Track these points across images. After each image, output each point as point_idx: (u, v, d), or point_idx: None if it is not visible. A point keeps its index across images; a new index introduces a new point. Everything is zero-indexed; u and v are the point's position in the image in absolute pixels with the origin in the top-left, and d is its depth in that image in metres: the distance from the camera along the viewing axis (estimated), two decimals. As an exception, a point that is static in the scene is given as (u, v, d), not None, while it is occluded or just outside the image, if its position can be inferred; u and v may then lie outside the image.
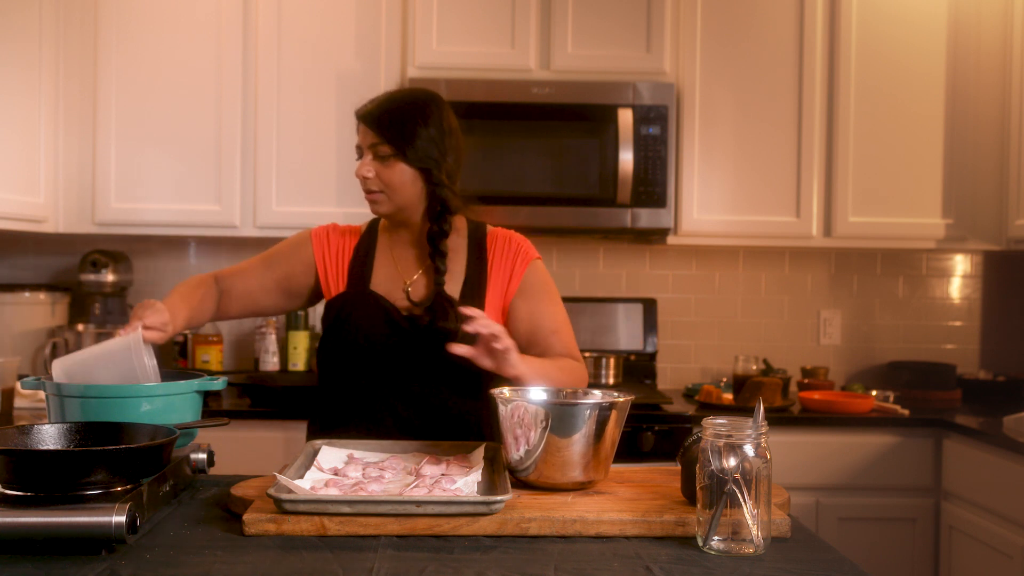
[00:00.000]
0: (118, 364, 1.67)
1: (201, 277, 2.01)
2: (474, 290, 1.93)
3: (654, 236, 3.43)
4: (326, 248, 2.00)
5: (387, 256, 1.99)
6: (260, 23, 3.21)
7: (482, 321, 1.72)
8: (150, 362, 1.70)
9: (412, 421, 1.89)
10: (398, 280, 1.96)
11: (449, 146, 1.91)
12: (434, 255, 1.91)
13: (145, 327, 1.72)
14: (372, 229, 2.04)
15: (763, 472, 1.30)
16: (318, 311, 3.47)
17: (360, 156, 1.92)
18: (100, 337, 3.29)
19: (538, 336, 1.97)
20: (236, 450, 2.67)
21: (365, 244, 2.00)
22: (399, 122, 1.86)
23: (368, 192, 1.91)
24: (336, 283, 1.97)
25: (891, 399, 3.31)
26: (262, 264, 2.03)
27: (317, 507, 1.36)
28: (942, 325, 3.76)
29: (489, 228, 2.03)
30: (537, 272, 2.00)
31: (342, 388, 1.94)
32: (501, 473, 1.55)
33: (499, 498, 1.37)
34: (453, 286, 1.93)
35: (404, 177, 1.88)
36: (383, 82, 3.21)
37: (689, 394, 3.44)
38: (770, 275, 3.72)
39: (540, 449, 1.53)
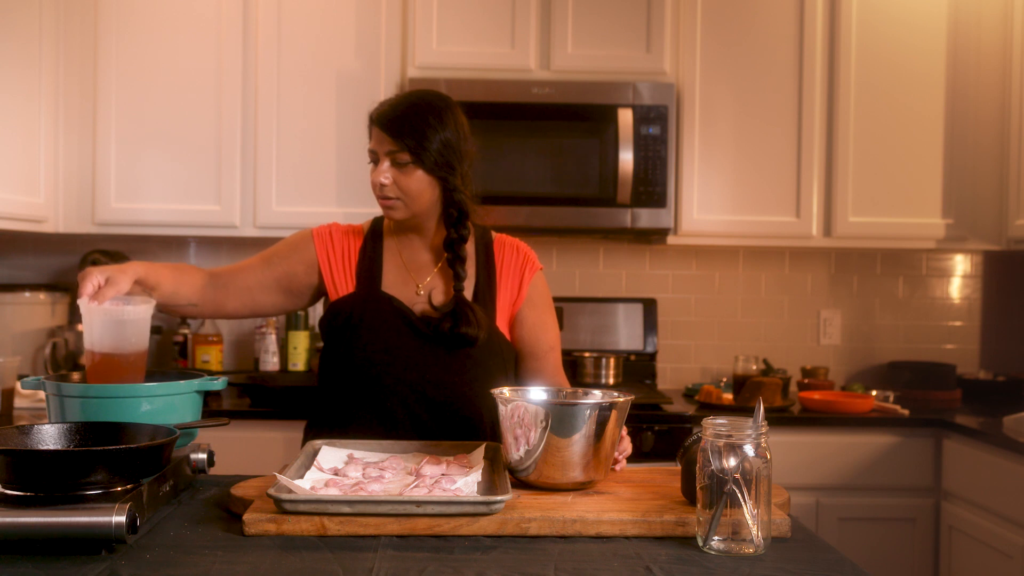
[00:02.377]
0: (119, 328, 1.66)
1: (194, 267, 1.99)
2: (485, 296, 1.95)
3: (654, 236, 3.42)
4: (330, 247, 1.97)
5: (396, 258, 1.97)
6: (260, 23, 3.21)
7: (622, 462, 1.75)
8: (135, 306, 1.69)
9: (430, 425, 1.88)
10: (409, 283, 1.95)
11: (464, 150, 1.90)
12: (453, 261, 1.91)
13: (99, 289, 1.69)
14: (376, 230, 2.01)
15: (763, 472, 1.30)
16: (318, 312, 3.47)
17: (372, 160, 1.89)
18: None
19: (537, 349, 2.01)
20: (236, 450, 2.68)
21: (371, 245, 1.98)
22: (417, 128, 1.84)
23: (384, 199, 1.88)
24: (343, 283, 1.95)
25: (891, 399, 3.30)
26: (261, 262, 2.00)
27: (317, 507, 1.36)
28: (942, 325, 3.76)
29: (494, 234, 2.04)
30: (542, 283, 2.04)
31: (352, 390, 1.91)
32: (501, 473, 1.55)
33: (499, 498, 1.37)
34: (465, 291, 1.93)
35: (422, 184, 1.86)
36: (383, 82, 3.21)
37: (689, 394, 3.44)
38: (770, 275, 3.72)
39: (540, 449, 1.53)
